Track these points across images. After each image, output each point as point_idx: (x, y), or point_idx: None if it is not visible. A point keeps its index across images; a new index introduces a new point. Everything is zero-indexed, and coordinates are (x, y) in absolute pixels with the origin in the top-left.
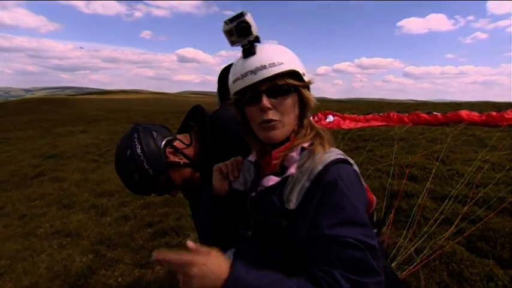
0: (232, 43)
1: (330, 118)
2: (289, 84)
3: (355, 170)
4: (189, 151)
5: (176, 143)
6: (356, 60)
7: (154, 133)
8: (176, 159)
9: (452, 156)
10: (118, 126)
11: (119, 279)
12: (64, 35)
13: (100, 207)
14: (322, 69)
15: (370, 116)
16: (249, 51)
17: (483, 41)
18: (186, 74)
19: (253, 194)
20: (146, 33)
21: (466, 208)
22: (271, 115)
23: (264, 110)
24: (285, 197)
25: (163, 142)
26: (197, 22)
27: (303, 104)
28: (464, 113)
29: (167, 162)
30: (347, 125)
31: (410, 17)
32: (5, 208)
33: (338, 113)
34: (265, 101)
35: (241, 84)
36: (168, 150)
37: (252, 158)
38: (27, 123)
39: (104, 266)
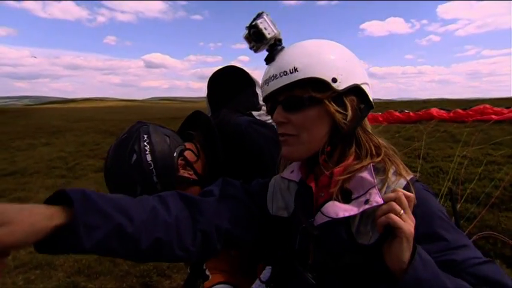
0: (253, 50)
1: None
2: (307, 96)
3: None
4: (198, 165)
5: (187, 154)
6: None
7: (168, 139)
8: (186, 175)
9: (432, 153)
10: (85, 136)
11: None
12: (18, 40)
13: None
14: None
15: None
16: (268, 57)
17: (436, 43)
18: (154, 79)
19: (309, 224)
20: (111, 39)
21: (458, 206)
22: (285, 129)
23: (278, 123)
24: (354, 229)
25: (178, 151)
26: (164, 27)
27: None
28: (434, 110)
29: (177, 176)
30: None
31: (371, 19)
32: None
33: None
34: (277, 114)
35: (262, 94)
36: (179, 162)
37: (293, 176)
38: None
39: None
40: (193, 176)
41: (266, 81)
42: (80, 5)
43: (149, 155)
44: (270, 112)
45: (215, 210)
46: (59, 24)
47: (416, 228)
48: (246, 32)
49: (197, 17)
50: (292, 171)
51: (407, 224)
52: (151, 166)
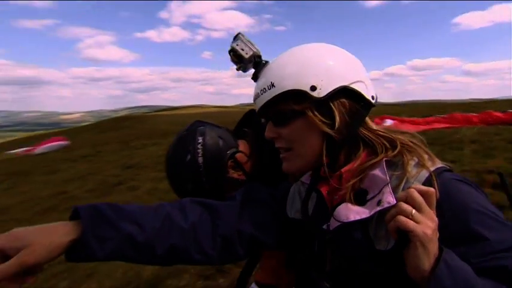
0: (241, 71)
1: (388, 122)
2: (287, 109)
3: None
4: (247, 165)
5: (238, 156)
6: (408, 63)
7: (221, 141)
8: (235, 176)
9: None
10: None
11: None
12: (141, 62)
13: None
14: (372, 73)
15: (431, 118)
16: (252, 76)
17: None
18: (244, 87)
19: (324, 228)
20: (207, 54)
21: None
22: (278, 143)
23: (270, 139)
24: (372, 233)
25: (229, 154)
26: (252, 39)
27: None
28: None
29: (226, 177)
30: (406, 128)
31: (468, 11)
32: None
33: (396, 117)
34: (268, 131)
35: (256, 111)
36: (230, 164)
37: (307, 178)
38: (112, 138)
39: (170, 276)
40: (242, 177)
41: (254, 99)
42: (184, 28)
43: (201, 157)
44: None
45: (237, 214)
46: (168, 46)
47: (446, 226)
48: (229, 55)
49: (281, 28)
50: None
51: (422, 225)
52: (201, 168)
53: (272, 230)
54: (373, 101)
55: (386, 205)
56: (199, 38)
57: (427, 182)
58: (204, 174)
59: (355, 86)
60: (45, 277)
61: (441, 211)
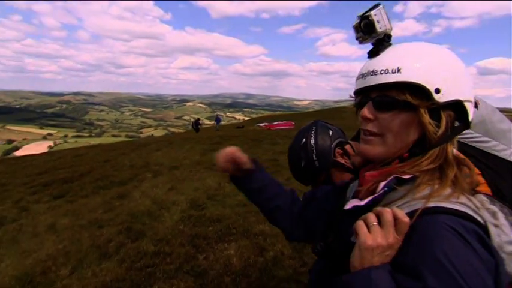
0: (358, 40)
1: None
2: (401, 99)
3: (475, 231)
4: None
5: (347, 147)
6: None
7: (330, 131)
8: (342, 161)
9: None
10: None
11: None
12: (365, 58)
13: None
14: None
15: None
16: (372, 51)
17: None
18: (487, 88)
19: (338, 209)
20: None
21: None
22: (370, 127)
23: (364, 119)
24: None
25: (335, 142)
26: None
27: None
28: None
29: (333, 160)
30: None
31: None
32: (288, 180)
33: None
34: (366, 111)
35: (356, 87)
36: (337, 150)
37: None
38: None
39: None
40: (349, 164)
41: (364, 75)
42: (419, 20)
43: (312, 140)
44: (357, 106)
45: (303, 206)
46: (398, 40)
47: (400, 253)
48: (357, 21)
49: None
50: None
51: (371, 236)
52: (313, 147)
53: (319, 222)
54: (471, 124)
55: (355, 204)
56: (436, 30)
57: (411, 213)
58: (315, 153)
59: (466, 104)
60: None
61: (409, 240)
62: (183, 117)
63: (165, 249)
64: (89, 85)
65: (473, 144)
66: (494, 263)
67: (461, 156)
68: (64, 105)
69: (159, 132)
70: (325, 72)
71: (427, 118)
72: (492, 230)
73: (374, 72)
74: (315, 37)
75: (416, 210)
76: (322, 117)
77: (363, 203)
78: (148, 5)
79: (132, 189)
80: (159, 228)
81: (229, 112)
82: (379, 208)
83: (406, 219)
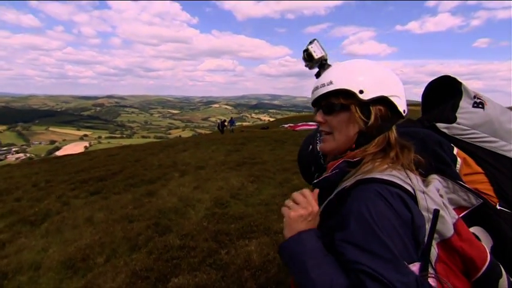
0: (307, 67)
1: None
2: (336, 103)
3: (398, 194)
4: None
5: None
6: None
7: None
8: None
9: None
10: None
11: None
12: (397, 55)
13: None
14: None
15: None
16: (316, 73)
17: None
18: None
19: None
20: (482, 42)
21: None
22: (323, 127)
23: (318, 123)
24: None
25: None
26: None
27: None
28: None
29: None
30: None
31: None
32: None
33: None
34: (318, 116)
35: (311, 100)
36: None
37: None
38: None
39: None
40: None
41: (313, 91)
42: (454, 14)
43: (318, 146)
44: (315, 113)
45: None
46: (429, 36)
47: (337, 215)
48: (302, 54)
49: None
50: None
51: (290, 210)
52: (319, 153)
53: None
54: (404, 114)
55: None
56: (474, 23)
57: (348, 187)
58: (322, 158)
59: (392, 98)
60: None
61: (343, 204)
62: (209, 119)
63: (190, 243)
64: (120, 88)
65: (478, 144)
66: (410, 218)
67: (406, 142)
68: (98, 108)
69: (186, 133)
70: None
71: (357, 114)
72: (419, 195)
73: (317, 88)
74: (341, 36)
75: (354, 182)
76: None
77: (316, 180)
78: (176, 9)
79: (160, 187)
80: (184, 224)
81: (255, 113)
82: (293, 193)
83: (305, 190)
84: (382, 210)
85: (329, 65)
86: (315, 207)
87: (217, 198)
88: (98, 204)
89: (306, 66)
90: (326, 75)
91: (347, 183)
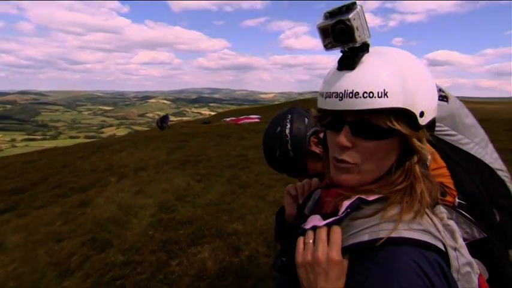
0: (326, 47)
1: None
2: (387, 127)
3: (438, 262)
4: None
5: (322, 135)
6: None
7: (306, 119)
8: (317, 150)
9: None
10: None
11: None
12: (329, 51)
13: None
14: None
15: None
16: (345, 63)
17: None
18: (436, 78)
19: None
20: (397, 40)
21: None
22: (347, 156)
23: (340, 147)
24: None
25: (311, 131)
26: (456, 22)
27: (409, 152)
28: None
29: (308, 150)
30: None
31: None
32: (258, 176)
33: None
34: (344, 138)
35: (323, 105)
36: (312, 139)
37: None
38: None
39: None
40: (323, 153)
41: (339, 95)
42: (376, 14)
43: (288, 129)
44: (328, 126)
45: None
46: None
47: (358, 283)
48: (326, 22)
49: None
50: None
51: (305, 252)
52: (287, 137)
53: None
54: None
55: (313, 223)
56: (392, 23)
57: (375, 241)
58: (289, 142)
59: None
60: None
61: (367, 273)
62: (147, 115)
63: (135, 258)
64: (38, 83)
65: (441, 137)
66: None
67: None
68: (9, 106)
69: (121, 131)
70: (289, 64)
71: (417, 144)
72: (452, 254)
73: (355, 95)
74: (278, 30)
75: (378, 239)
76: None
77: (322, 223)
78: None
79: (94, 195)
80: (127, 235)
81: (195, 108)
82: (319, 226)
83: (337, 233)
84: None
85: (366, 52)
86: (327, 255)
87: (162, 202)
88: (12, 224)
89: (326, 45)
90: (373, 76)
91: (361, 233)
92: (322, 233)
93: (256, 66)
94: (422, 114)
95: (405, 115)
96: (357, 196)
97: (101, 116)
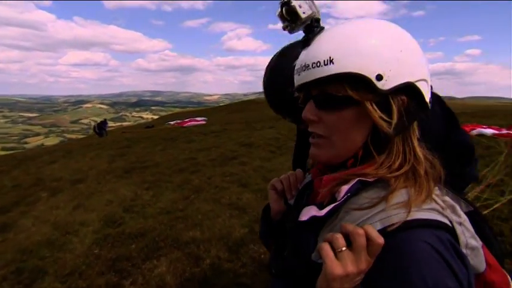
0: (285, 29)
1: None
2: (339, 94)
3: (449, 241)
4: None
5: None
6: None
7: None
8: None
9: None
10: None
11: (262, 256)
12: (271, 52)
13: (264, 191)
14: None
15: None
16: (303, 41)
17: None
18: None
19: (292, 223)
20: None
21: None
22: (315, 128)
23: (308, 121)
24: (320, 239)
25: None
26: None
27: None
28: None
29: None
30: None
31: None
32: (211, 179)
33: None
34: (307, 112)
35: (295, 84)
36: None
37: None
38: (238, 119)
39: (254, 241)
40: None
41: (297, 71)
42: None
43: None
44: (302, 103)
45: None
46: (299, 36)
47: (373, 276)
48: (278, 9)
49: (419, 13)
50: None
51: (339, 264)
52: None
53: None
54: (430, 106)
55: (312, 214)
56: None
57: (385, 230)
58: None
59: (419, 85)
60: None
61: (383, 262)
62: (81, 121)
63: (79, 283)
64: None
65: None
66: (467, 276)
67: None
68: None
69: (51, 141)
70: (233, 66)
71: (376, 112)
72: (458, 229)
73: (306, 67)
74: (221, 32)
75: (390, 225)
76: (233, 110)
77: (322, 213)
78: None
79: (19, 216)
80: (66, 258)
81: (136, 112)
82: (349, 227)
83: (381, 240)
84: (441, 277)
85: (322, 28)
86: (369, 263)
87: (108, 215)
88: None
89: (284, 28)
90: (320, 47)
91: (364, 216)
92: (362, 239)
93: (199, 67)
94: (380, 77)
95: (361, 81)
96: (357, 179)
97: (22, 124)
